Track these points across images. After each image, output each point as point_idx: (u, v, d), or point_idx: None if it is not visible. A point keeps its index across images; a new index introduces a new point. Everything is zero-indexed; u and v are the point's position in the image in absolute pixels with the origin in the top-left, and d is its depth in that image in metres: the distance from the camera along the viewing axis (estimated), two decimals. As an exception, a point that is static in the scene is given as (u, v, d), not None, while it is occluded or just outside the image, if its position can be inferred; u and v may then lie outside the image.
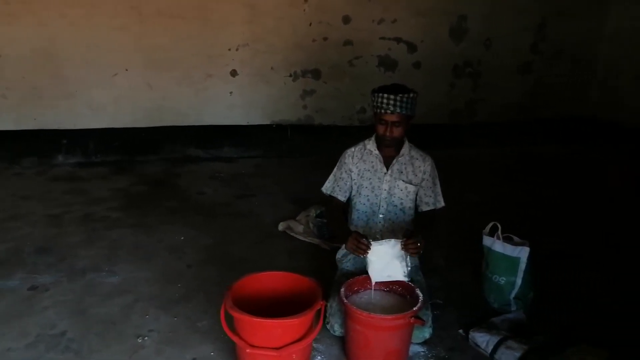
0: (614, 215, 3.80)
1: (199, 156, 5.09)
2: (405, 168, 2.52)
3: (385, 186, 2.52)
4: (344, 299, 2.03)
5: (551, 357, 2.04)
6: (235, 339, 1.92)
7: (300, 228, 3.38)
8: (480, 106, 5.63)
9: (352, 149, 2.58)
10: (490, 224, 2.54)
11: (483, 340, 2.19)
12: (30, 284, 2.68)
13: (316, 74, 5.13)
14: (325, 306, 2.20)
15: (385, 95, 2.30)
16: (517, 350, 2.08)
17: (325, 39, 5.02)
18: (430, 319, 2.25)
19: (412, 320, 1.97)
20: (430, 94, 5.35)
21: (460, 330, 2.33)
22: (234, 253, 3.11)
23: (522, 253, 2.43)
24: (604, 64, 5.67)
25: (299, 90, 5.16)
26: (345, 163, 2.57)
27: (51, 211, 3.66)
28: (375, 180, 2.53)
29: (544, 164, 5.14)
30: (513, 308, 2.47)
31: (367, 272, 2.21)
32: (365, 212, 2.57)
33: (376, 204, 2.55)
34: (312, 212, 3.47)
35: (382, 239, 2.28)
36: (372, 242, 2.18)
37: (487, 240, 2.52)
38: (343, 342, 2.19)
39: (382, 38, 5.15)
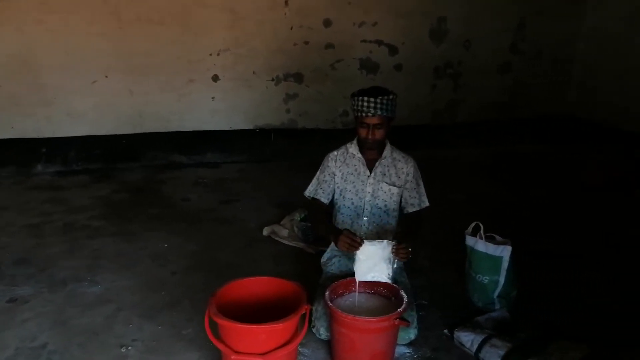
0: (592, 213, 3.86)
1: (182, 162, 5.05)
2: (388, 170, 2.54)
3: (369, 189, 2.53)
4: (329, 302, 2.03)
5: (534, 354, 2.06)
6: (220, 345, 1.90)
7: (284, 232, 3.37)
8: (462, 106, 5.68)
9: (335, 153, 2.59)
10: (473, 224, 2.57)
11: (468, 339, 2.20)
12: (9, 296, 2.63)
13: (298, 77, 5.13)
14: (311, 310, 2.20)
15: (366, 98, 2.32)
16: (501, 348, 2.10)
17: (306, 42, 5.03)
18: (415, 320, 2.26)
19: (397, 321, 1.98)
20: (412, 95, 5.40)
21: (445, 330, 2.34)
22: (219, 259, 3.09)
23: (504, 252, 2.45)
24: (582, 64, 5.76)
25: (281, 94, 5.16)
26: (328, 166, 2.57)
27: (30, 221, 3.60)
28: (358, 184, 2.54)
29: (525, 163, 5.21)
30: (497, 307, 2.50)
31: (352, 275, 2.22)
32: (350, 215, 2.57)
33: (360, 206, 2.55)
34: (297, 216, 3.47)
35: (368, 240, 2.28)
36: (365, 240, 2.18)
37: (469, 240, 2.54)
38: (329, 345, 2.19)
39: (364, 41, 5.18)
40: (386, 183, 2.52)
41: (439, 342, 2.28)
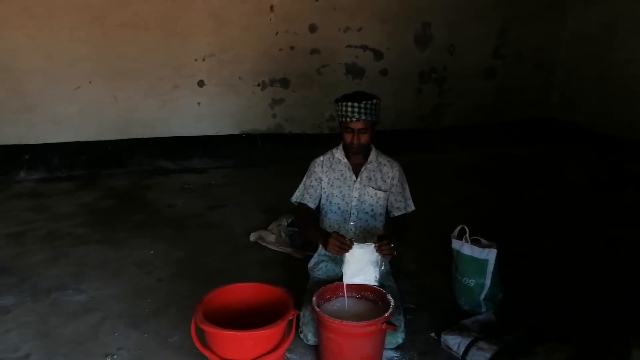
0: (575, 214, 3.92)
1: (168, 168, 5.02)
2: (374, 175, 2.55)
3: (355, 194, 2.54)
4: (316, 307, 2.03)
5: (520, 356, 2.08)
6: (206, 353, 1.89)
7: (272, 238, 3.36)
8: (447, 111, 5.73)
9: (321, 158, 2.60)
10: (459, 228, 2.58)
11: (455, 342, 2.22)
12: (-9, 306, 2.58)
13: (284, 82, 5.14)
14: (298, 315, 2.19)
15: (350, 103, 2.33)
16: (487, 351, 2.11)
17: (292, 47, 5.04)
18: (402, 324, 2.26)
19: (384, 326, 1.98)
20: (398, 100, 5.44)
21: (433, 334, 2.35)
22: (205, 265, 3.07)
23: (489, 255, 2.47)
24: (563, 69, 5.86)
25: (267, 100, 5.16)
26: (314, 172, 2.58)
27: (12, 229, 3.54)
28: (345, 189, 2.55)
29: (510, 165, 5.26)
30: (483, 309, 2.51)
31: (339, 280, 2.22)
32: (337, 220, 2.58)
33: (347, 211, 2.56)
34: (284, 222, 3.46)
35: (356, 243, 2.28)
36: (354, 243, 2.18)
37: (455, 244, 2.56)
38: (317, 350, 2.19)
39: (349, 46, 5.20)
40: (372, 187, 2.53)
41: (427, 346, 2.29)
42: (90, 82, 4.65)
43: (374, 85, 5.24)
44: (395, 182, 2.55)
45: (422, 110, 5.65)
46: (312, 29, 5.05)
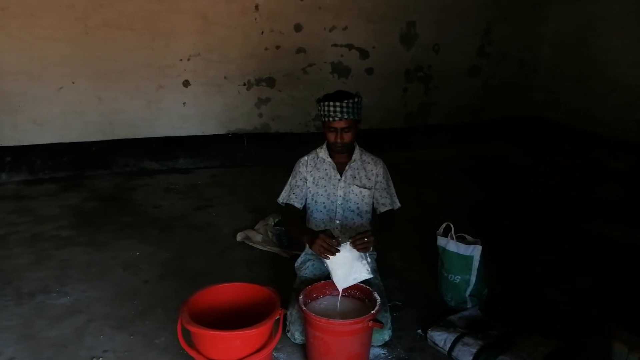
0: (554, 211, 3.97)
1: (154, 169, 4.98)
2: (358, 173, 2.56)
3: (340, 192, 2.55)
4: (303, 306, 2.03)
5: (505, 351, 2.10)
6: (193, 353, 1.89)
7: (259, 237, 3.36)
8: (433, 109, 5.77)
9: (305, 158, 2.61)
10: (444, 225, 2.61)
11: (441, 338, 2.23)
12: (-27, 310, 2.54)
13: (270, 82, 5.13)
14: (285, 314, 2.20)
15: (331, 103, 2.34)
16: (473, 346, 2.14)
17: (277, 47, 5.03)
18: (389, 321, 2.28)
19: (371, 323, 1.99)
20: (385, 99, 5.47)
21: (419, 330, 2.37)
22: (192, 266, 3.05)
23: (475, 251, 2.50)
24: (546, 68, 5.94)
25: (253, 99, 5.14)
26: (299, 172, 2.58)
27: (-5, 232, 3.49)
28: (330, 187, 2.55)
29: (494, 163, 5.32)
30: (469, 305, 2.54)
31: (326, 279, 2.23)
32: (322, 219, 2.59)
33: (332, 210, 2.57)
34: (271, 221, 3.46)
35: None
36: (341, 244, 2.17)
37: (441, 241, 2.58)
38: (304, 349, 2.19)
39: (335, 45, 5.21)
40: (357, 186, 2.54)
41: (413, 343, 2.30)
42: (73, 83, 4.59)
43: (360, 84, 5.26)
44: (379, 179, 2.56)
45: (408, 108, 5.68)
46: (298, 28, 5.05)
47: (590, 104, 5.24)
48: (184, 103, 4.96)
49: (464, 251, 2.51)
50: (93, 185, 4.51)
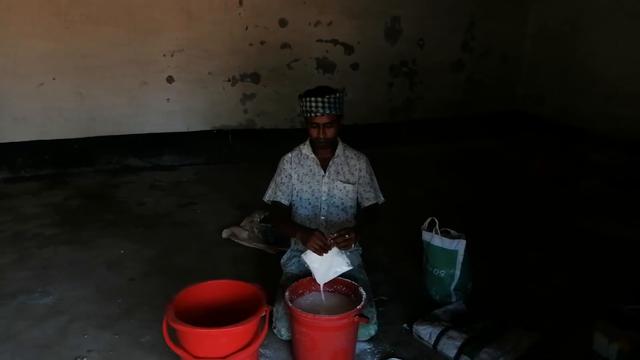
0: (539, 205, 4.02)
1: (138, 166, 4.93)
2: (342, 168, 2.57)
3: (324, 188, 2.55)
4: (289, 302, 2.03)
5: (489, 343, 2.13)
6: (178, 351, 1.88)
7: (244, 234, 3.35)
8: (418, 104, 5.78)
9: (289, 155, 2.60)
10: (429, 219, 2.62)
11: (426, 332, 2.26)
12: (-47, 312, 2.50)
13: (255, 77, 5.10)
14: (271, 311, 2.20)
15: (313, 98, 2.34)
16: (457, 340, 2.16)
17: (262, 42, 5.00)
18: (375, 316, 2.29)
19: (356, 319, 2.00)
20: (370, 94, 5.47)
21: (405, 325, 2.39)
22: (177, 264, 3.04)
23: (459, 246, 2.52)
24: (529, 62, 5.99)
25: (238, 95, 5.11)
26: (284, 169, 2.58)
27: (-25, 232, 3.43)
28: (314, 183, 2.55)
29: (479, 158, 5.36)
30: (454, 299, 2.56)
31: (311, 275, 2.23)
32: (307, 215, 2.58)
33: (317, 206, 2.57)
34: (256, 218, 3.45)
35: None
36: (307, 252, 2.19)
37: (426, 235, 2.60)
38: (291, 345, 2.19)
39: (319, 40, 5.19)
40: (340, 181, 2.55)
41: (399, 337, 2.32)
42: (54, 79, 4.52)
43: (346, 80, 5.26)
44: (362, 173, 2.57)
45: (393, 103, 5.69)
46: (282, 23, 5.02)
47: (572, 98, 5.31)
48: (167, 99, 4.91)
49: (448, 245, 2.53)
50: (76, 183, 4.45)
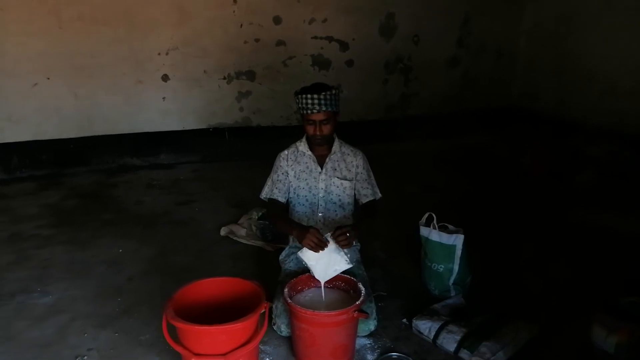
0: (534, 199, 4.04)
1: (134, 165, 4.92)
2: (339, 165, 2.57)
3: (321, 185, 2.56)
4: (288, 299, 2.04)
5: (488, 337, 2.14)
6: (178, 349, 1.88)
7: (242, 232, 3.35)
8: (413, 100, 5.80)
9: (286, 152, 2.61)
10: (426, 215, 2.63)
11: (425, 327, 2.27)
12: (-48, 312, 2.49)
13: (250, 75, 5.10)
14: (271, 307, 2.20)
15: (309, 95, 2.34)
16: (457, 334, 2.17)
17: (257, 40, 5.00)
18: (374, 311, 2.30)
19: (356, 314, 2.01)
20: (365, 90, 5.48)
21: (404, 320, 2.40)
22: (176, 262, 3.04)
23: (457, 240, 2.53)
24: (524, 59, 6.01)
25: (234, 93, 5.11)
26: (280, 166, 2.58)
27: (-28, 233, 3.42)
28: (311, 181, 2.56)
29: (475, 153, 5.38)
30: (452, 294, 2.57)
31: (309, 272, 2.23)
32: (305, 212, 2.59)
33: (315, 203, 2.58)
34: (254, 215, 3.45)
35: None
36: (303, 249, 2.21)
37: (424, 231, 2.61)
38: (290, 341, 2.20)
39: (314, 37, 5.19)
40: (337, 178, 2.56)
41: (399, 332, 2.33)
42: (48, 79, 4.50)
43: (341, 77, 5.26)
44: (359, 170, 2.58)
45: (388, 100, 5.70)
46: (277, 20, 5.02)
47: (567, 94, 5.33)
48: (163, 98, 4.90)
49: (446, 240, 2.54)
50: (73, 183, 4.44)
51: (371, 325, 2.27)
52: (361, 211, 2.59)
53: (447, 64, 5.82)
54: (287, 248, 2.72)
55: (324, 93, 2.34)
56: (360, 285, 2.13)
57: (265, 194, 2.62)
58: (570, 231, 3.42)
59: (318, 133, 2.42)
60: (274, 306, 2.27)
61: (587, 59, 5.05)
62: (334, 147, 2.58)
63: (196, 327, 1.81)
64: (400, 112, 5.78)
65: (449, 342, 2.17)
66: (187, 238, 3.36)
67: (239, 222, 3.48)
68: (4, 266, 2.97)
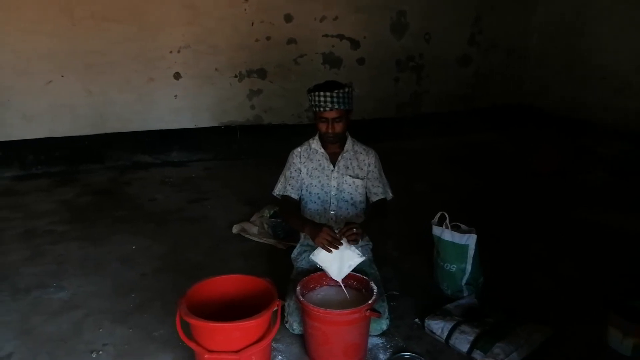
0: (543, 198, 4.01)
1: (147, 162, 4.96)
2: (351, 163, 2.57)
3: (333, 183, 2.56)
4: (300, 297, 2.05)
5: (501, 338, 2.13)
6: (192, 345, 1.90)
7: (254, 229, 3.37)
8: (424, 98, 5.78)
9: (299, 149, 2.61)
10: (439, 214, 2.62)
11: (438, 327, 2.26)
12: (-31, 306, 2.53)
13: (262, 73, 5.11)
14: (283, 305, 2.21)
15: (322, 93, 2.34)
16: (470, 334, 2.16)
17: (268, 38, 5.01)
18: (386, 310, 2.30)
19: (368, 313, 2.01)
20: (376, 88, 5.47)
21: (416, 319, 2.39)
22: (188, 259, 3.06)
23: (470, 240, 2.52)
24: (535, 56, 5.96)
25: (245, 91, 5.12)
26: (293, 163, 2.59)
27: (-12, 229, 3.46)
28: (323, 178, 2.56)
29: (486, 151, 5.35)
30: (465, 294, 2.56)
31: (321, 270, 2.24)
32: (317, 210, 2.59)
33: (327, 201, 2.58)
34: (266, 213, 3.47)
35: None
36: (314, 252, 2.21)
37: (436, 230, 2.60)
38: (302, 340, 2.21)
39: (325, 35, 5.19)
40: (350, 176, 2.56)
41: (411, 331, 2.33)
42: (62, 76, 4.55)
43: (352, 75, 5.26)
44: (371, 168, 2.58)
45: (400, 98, 5.69)
46: (288, 18, 5.02)
47: (578, 91, 5.29)
48: (175, 96, 4.93)
49: (459, 240, 2.53)
50: (86, 180, 4.49)
51: (384, 324, 2.27)
52: (371, 210, 2.59)
53: (458, 61, 5.79)
54: (298, 246, 2.72)
55: (337, 91, 2.34)
56: (373, 284, 2.13)
57: (278, 190, 2.63)
58: (580, 230, 3.39)
59: (330, 131, 2.42)
60: (286, 304, 2.29)
61: (600, 55, 5.01)
62: (346, 145, 2.58)
63: (210, 323, 1.82)
64: (411, 110, 5.77)
65: (462, 342, 2.16)
66: (199, 235, 3.39)
67: (251, 220, 3.49)
68: (20, 261, 3.01)
